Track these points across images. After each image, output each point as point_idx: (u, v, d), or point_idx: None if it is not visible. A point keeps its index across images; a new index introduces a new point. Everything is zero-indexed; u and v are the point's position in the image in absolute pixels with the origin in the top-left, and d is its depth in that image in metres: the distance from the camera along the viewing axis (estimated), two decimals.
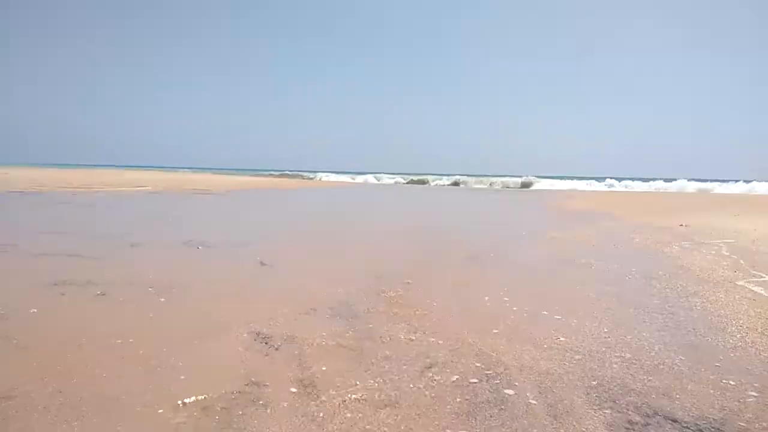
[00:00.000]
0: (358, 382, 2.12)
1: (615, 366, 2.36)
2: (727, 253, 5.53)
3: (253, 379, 2.11)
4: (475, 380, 2.17)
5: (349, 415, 1.84)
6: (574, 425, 1.79)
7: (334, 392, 2.02)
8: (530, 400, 1.98)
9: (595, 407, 1.93)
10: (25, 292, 3.35)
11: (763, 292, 3.84)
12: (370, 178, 41.23)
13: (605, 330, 2.89)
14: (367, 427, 1.76)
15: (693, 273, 4.54)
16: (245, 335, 2.64)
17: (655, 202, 17.40)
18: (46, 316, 2.88)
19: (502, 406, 1.93)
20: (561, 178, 37.09)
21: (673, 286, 4.03)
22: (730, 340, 2.74)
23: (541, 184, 33.98)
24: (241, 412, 1.83)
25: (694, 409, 1.94)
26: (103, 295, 3.34)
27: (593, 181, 35.29)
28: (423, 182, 37.94)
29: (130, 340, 2.51)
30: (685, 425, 1.81)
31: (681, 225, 8.46)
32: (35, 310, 2.95)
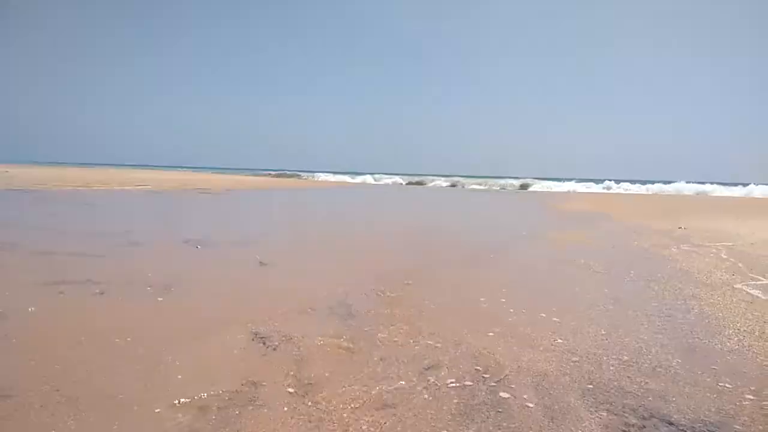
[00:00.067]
0: (355, 383, 2.12)
1: (612, 368, 2.36)
2: (726, 256, 5.55)
3: (250, 379, 2.11)
4: (473, 382, 2.17)
5: (345, 415, 1.84)
6: (571, 427, 1.80)
7: (331, 393, 2.02)
8: (527, 403, 1.99)
9: (591, 409, 1.94)
10: (23, 291, 3.35)
11: (760, 295, 3.84)
12: (369, 179, 41.24)
13: (603, 332, 2.89)
14: (364, 427, 1.76)
15: (691, 276, 4.55)
16: (243, 335, 2.65)
17: (653, 204, 17.43)
18: (45, 314, 2.88)
19: (499, 408, 1.94)
20: (559, 180, 37.07)
21: (671, 288, 4.04)
22: (727, 343, 2.75)
23: (539, 186, 34.01)
24: (237, 412, 1.84)
25: (690, 411, 1.94)
26: (102, 294, 3.33)
27: (591, 183, 35.29)
28: (421, 183, 37.94)
29: (128, 339, 2.51)
30: (681, 428, 1.82)
31: (679, 228, 8.48)
32: (34, 309, 2.95)
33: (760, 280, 4.38)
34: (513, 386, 2.14)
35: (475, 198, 20.88)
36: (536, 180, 36.57)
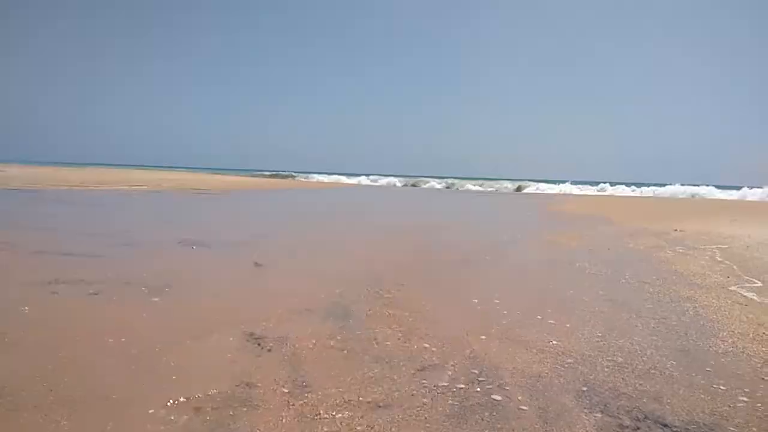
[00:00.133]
0: (350, 384, 2.12)
1: (607, 370, 2.37)
2: (721, 259, 5.58)
3: (244, 380, 2.11)
4: (467, 383, 2.17)
5: (340, 416, 1.84)
6: (565, 429, 1.80)
7: (326, 393, 2.02)
8: (521, 405, 1.99)
9: (586, 411, 1.94)
10: (17, 291, 3.33)
11: (755, 297, 3.87)
12: (364, 180, 41.25)
13: (598, 334, 2.90)
14: (358, 428, 1.76)
15: (686, 278, 4.57)
16: (238, 336, 2.64)
17: (649, 206, 17.51)
18: (38, 314, 2.86)
19: (493, 410, 1.94)
20: (555, 182, 37.17)
21: (666, 290, 4.06)
22: (722, 345, 2.76)
23: (535, 188, 34.10)
24: (231, 413, 1.83)
25: (684, 413, 1.95)
26: (96, 294, 3.32)
27: (587, 185, 35.41)
28: (416, 185, 37.96)
29: (122, 340, 2.50)
30: (675, 429, 1.82)
31: (675, 230, 8.52)
32: (27, 309, 2.93)
33: (754, 282, 4.40)
34: (507, 388, 2.14)
35: (471, 200, 20.92)
36: (531, 182, 36.65)
